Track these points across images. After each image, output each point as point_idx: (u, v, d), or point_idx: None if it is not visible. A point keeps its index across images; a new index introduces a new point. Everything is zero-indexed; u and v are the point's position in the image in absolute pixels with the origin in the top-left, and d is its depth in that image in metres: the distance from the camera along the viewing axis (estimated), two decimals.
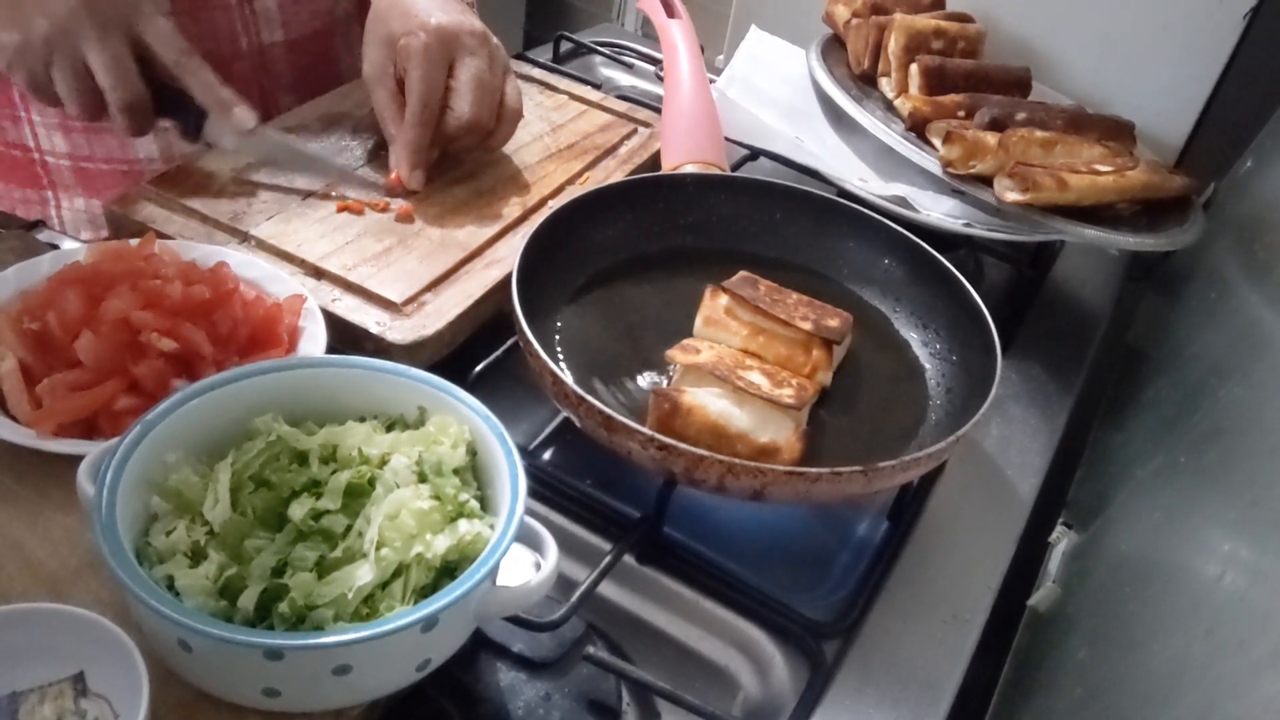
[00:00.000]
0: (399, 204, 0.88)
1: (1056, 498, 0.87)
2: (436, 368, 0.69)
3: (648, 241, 0.90)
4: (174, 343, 0.66)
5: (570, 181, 0.96)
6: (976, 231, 0.96)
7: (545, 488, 0.74)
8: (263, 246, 0.81)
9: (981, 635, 0.71)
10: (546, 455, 0.78)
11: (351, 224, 0.85)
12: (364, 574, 0.53)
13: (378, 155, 0.94)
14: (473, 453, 0.61)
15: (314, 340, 0.72)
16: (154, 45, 0.80)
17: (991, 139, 0.94)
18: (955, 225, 0.96)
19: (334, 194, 0.88)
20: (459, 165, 0.94)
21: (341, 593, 0.52)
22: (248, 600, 0.52)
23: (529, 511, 0.56)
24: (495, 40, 0.92)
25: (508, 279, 0.76)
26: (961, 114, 1.02)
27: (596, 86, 1.17)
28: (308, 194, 0.87)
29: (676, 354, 0.74)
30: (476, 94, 0.88)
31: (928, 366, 0.84)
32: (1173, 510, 0.70)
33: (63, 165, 0.96)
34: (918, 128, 1.02)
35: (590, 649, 0.62)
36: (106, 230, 0.86)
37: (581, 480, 0.75)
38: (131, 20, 0.79)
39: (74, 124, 0.94)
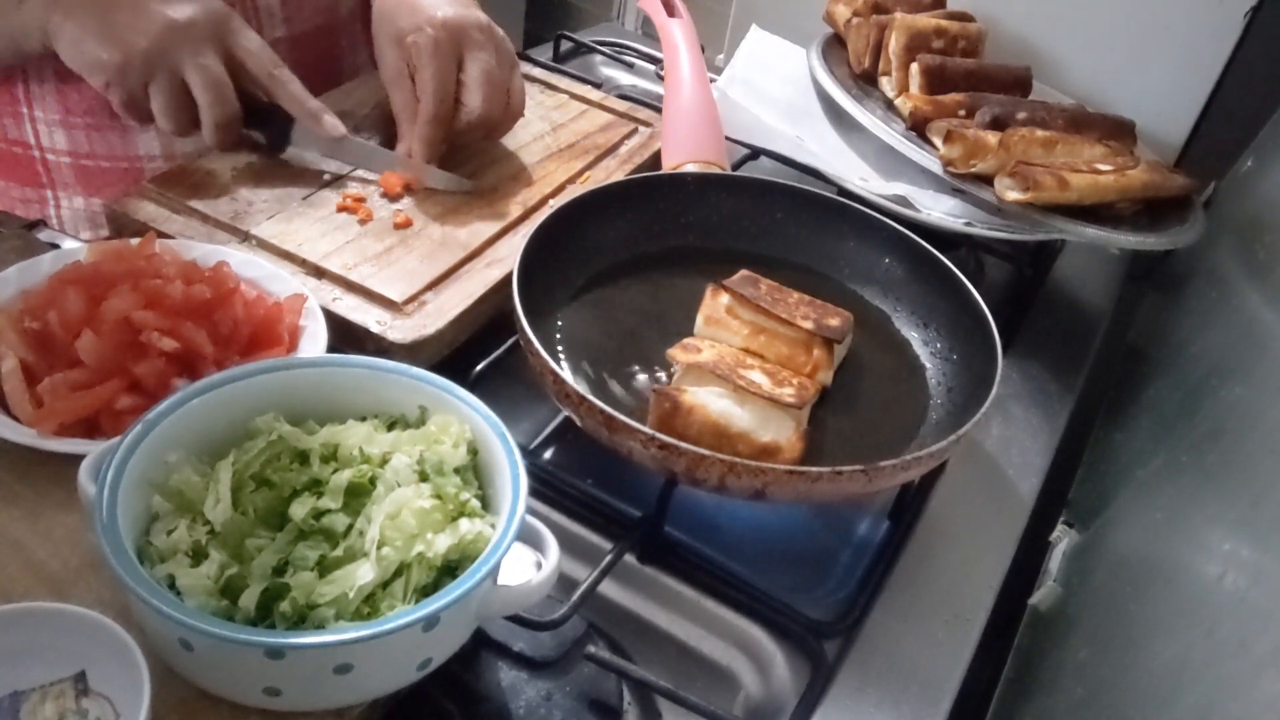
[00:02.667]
0: (398, 210, 0.88)
1: (1057, 497, 0.87)
2: (437, 367, 0.69)
3: (648, 241, 0.90)
4: (175, 342, 0.66)
5: (571, 181, 0.96)
6: (977, 231, 0.96)
7: (546, 487, 0.74)
8: (263, 246, 0.81)
9: (982, 635, 0.71)
10: (547, 454, 0.78)
11: (352, 223, 0.85)
12: (365, 573, 0.53)
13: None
14: (474, 452, 0.61)
15: (315, 340, 0.72)
16: (247, 61, 0.83)
17: (992, 138, 0.94)
18: (956, 224, 0.96)
19: (333, 193, 0.88)
20: (461, 165, 0.94)
21: (342, 592, 0.52)
22: (249, 599, 0.52)
23: (530, 511, 0.56)
24: (501, 33, 0.93)
25: (508, 278, 0.76)
26: (962, 113, 1.02)
27: (597, 86, 1.17)
28: (307, 195, 0.87)
29: (677, 353, 0.74)
30: (487, 89, 0.89)
31: (928, 366, 0.84)
32: (1174, 510, 0.70)
33: (63, 163, 0.96)
34: (918, 127, 1.02)
35: (591, 648, 0.62)
36: (106, 230, 0.86)
37: (582, 479, 0.75)
38: (224, 35, 0.81)
39: (75, 121, 0.94)
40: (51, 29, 0.80)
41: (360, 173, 0.91)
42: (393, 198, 0.89)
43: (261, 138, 0.89)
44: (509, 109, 0.93)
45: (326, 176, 0.89)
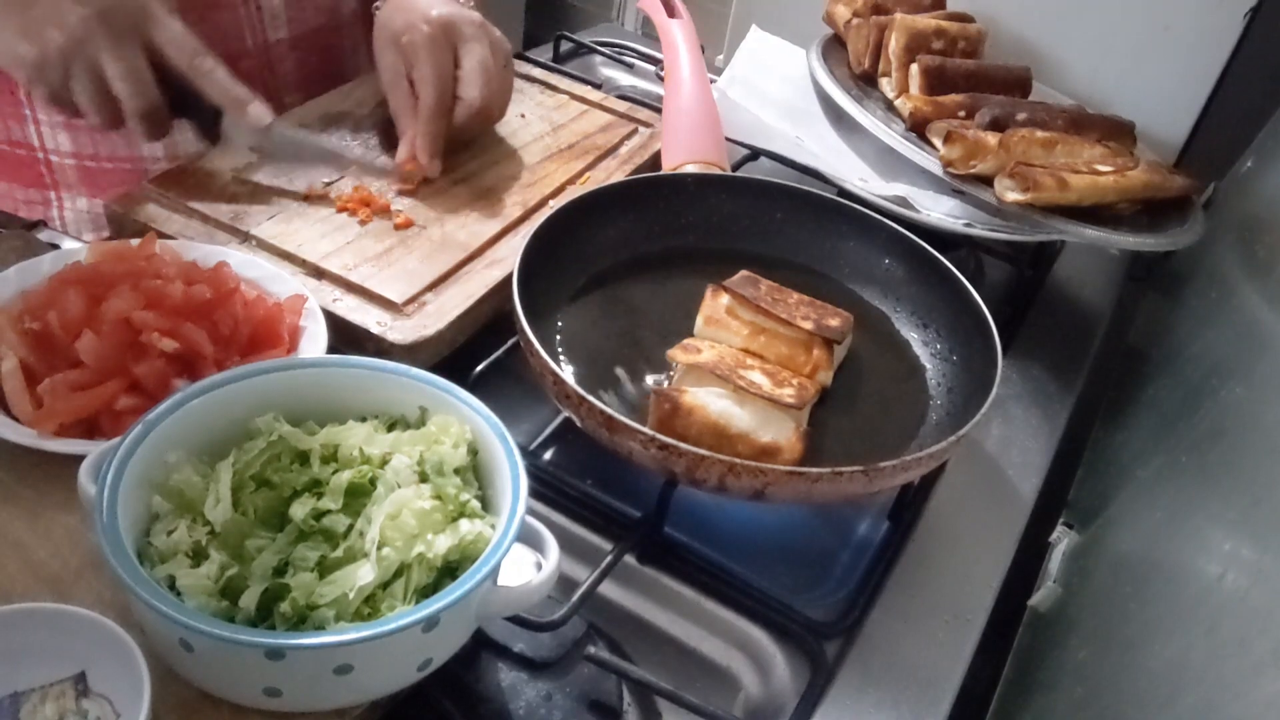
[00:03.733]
0: (398, 210, 0.88)
1: (1057, 497, 0.87)
2: (437, 367, 0.70)
3: (648, 241, 0.90)
4: (175, 343, 0.66)
5: (571, 181, 0.96)
6: (977, 231, 0.96)
7: (546, 487, 0.74)
8: (264, 246, 0.81)
9: (982, 635, 0.71)
10: (547, 455, 0.78)
11: (352, 224, 0.85)
12: (365, 574, 0.53)
13: (381, 153, 0.94)
14: (474, 452, 0.61)
15: (315, 340, 0.72)
16: (167, 49, 0.81)
17: (992, 139, 0.94)
18: (956, 225, 0.96)
19: (334, 193, 0.88)
20: (460, 165, 0.94)
21: (343, 592, 0.52)
22: (249, 600, 0.52)
23: (530, 511, 0.56)
24: (496, 31, 0.94)
25: (508, 279, 0.76)
26: (962, 114, 1.02)
27: (597, 86, 1.17)
28: (308, 195, 0.87)
29: (677, 353, 0.74)
30: (484, 79, 0.90)
31: (928, 366, 0.84)
32: (1173, 510, 0.70)
33: (67, 164, 0.96)
34: (918, 128, 1.02)
35: (591, 649, 0.62)
36: (108, 231, 0.86)
37: (582, 480, 0.75)
38: (144, 25, 0.80)
39: (78, 122, 0.94)
40: None
41: (380, 162, 0.91)
42: (407, 189, 0.89)
43: (193, 128, 0.86)
44: (501, 102, 0.94)
45: (326, 179, 0.89)
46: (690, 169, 0.95)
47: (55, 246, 0.82)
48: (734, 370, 0.72)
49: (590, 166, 0.99)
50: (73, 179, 0.97)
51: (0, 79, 0.93)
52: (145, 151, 0.96)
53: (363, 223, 0.85)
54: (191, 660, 0.52)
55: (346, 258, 0.81)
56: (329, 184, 0.89)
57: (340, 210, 0.86)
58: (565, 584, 0.66)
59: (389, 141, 0.94)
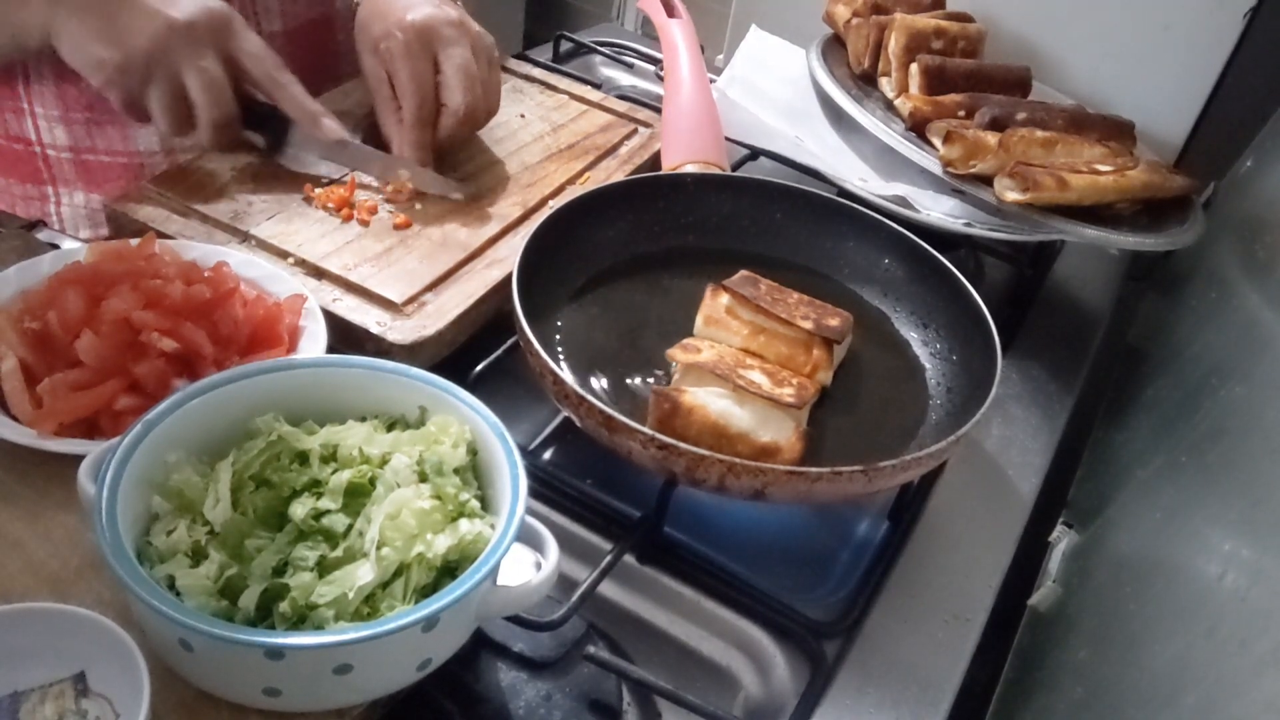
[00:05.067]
0: (397, 211, 0.88)
1: (1057, 497, 0.87)
2: (437, 367, 0.70)
3: (648, 241, 0.90)
4: (175, 342, 0.66)
5: (571, 181, 0.96)
6: (977, 231, 0.96)
7: (546, 487, 0.74)
8: (263, 246, 0.81)
9: (982, 635, 0.71)
10: (547, 455, 0.78)
11: (352, 224, 0.85)
12: (365, 573, 0.53)
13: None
14: (473, 452, 0.61)
15: (315, 340, 0.72)
16: (247, 63, 0.83)
17: (992, 139, 0.94)
18: (955, 225, 0.96)
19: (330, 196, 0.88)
20: (459, 167, 0.94)
21: (342, 592, 0.52)
22: (248, 600, 0.52)
23: (529, 511, 0.56)
24: (476, 27, 0.92)
25: (508, 279, 0.76)
26: (962, 114, 1.02)
27: (597, 86, 1.17)
28: (306, 197, 0.87)
29: (677, 353, 0.74)
30: (466, 83, 0.89)
31: (928, 366, 0.84)
32: (1173, 510, 0.70)
33: (64, 158, 0.97)
34: (918, 127, 1.02)
35: (591, 649, 0.62)
36: (106, 227, 0.86)
37: (582, 480, 0.75)
38: (225, 37, 0.81)
39: (75, 117, 0.94)
40: (54, 27, 0.80)
41: (358, 173, 0.91)
42: (400, 203, 0.89)
43: (260, 140, 0.89)
44: (485, 104, 0.92)
45: (325, 180, 0.89)
46: (690, 169, 0.95)
47: (55, 246, 0.82)
48: (734, 370, 0.72)
49: (590, 166, 0.99)
50: (70, 174, 0.97)
51: (0, 74, 0.93)
52: (142, 146, 0.96)
53: (362, 223, 0.85)
54: (191, 660, 0.52)
55: (346, 257, 0.81)
56: (329, 183, 0.89)
57: (321, 208, 0.86)
58: (565, 584, 0.66)
59: (385, 145, 0.94)
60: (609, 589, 0.70)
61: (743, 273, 0.81)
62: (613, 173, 0.98)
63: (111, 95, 0.81)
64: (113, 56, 0.78)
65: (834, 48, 1.17)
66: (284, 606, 0.52)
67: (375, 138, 0.95)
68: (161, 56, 0.78)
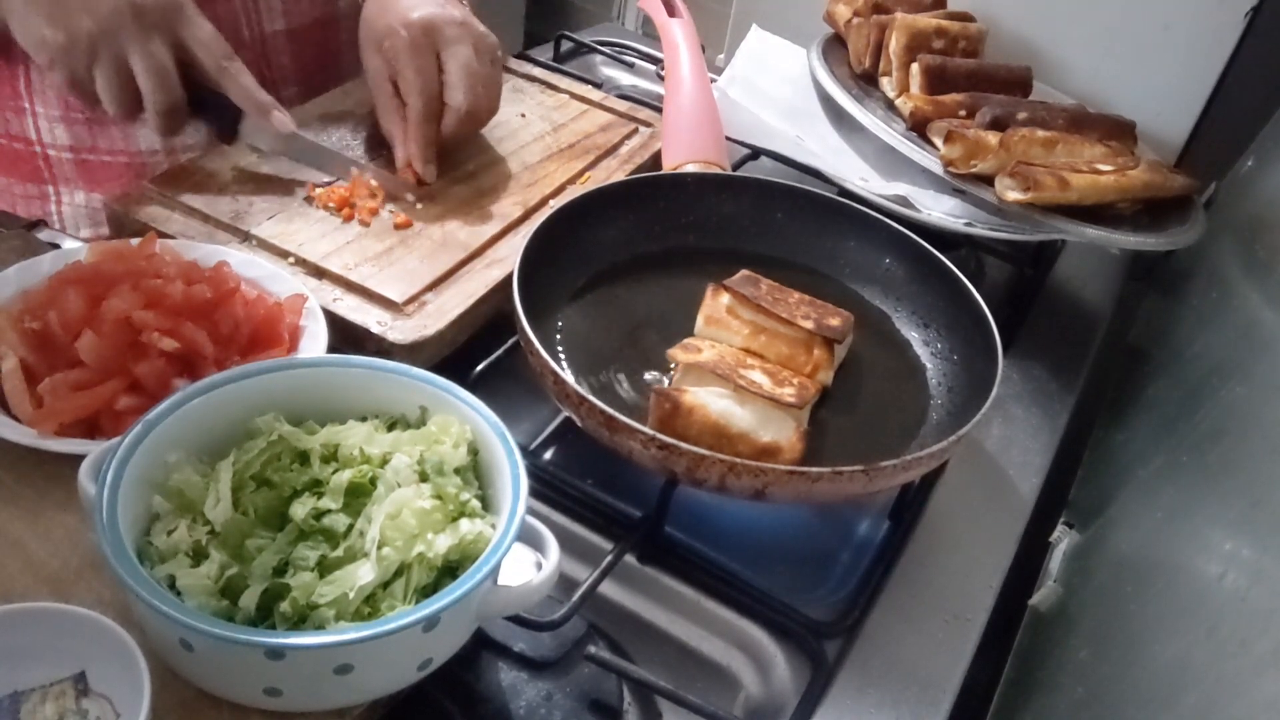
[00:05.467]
0: (398, 211, 0.88)
1: (1058, 497, 0.87)
2: (438, 367, 0.69)
3: (649, 241, 0.90)
4: (175, 342, 0.66)
5: (571, 181, 0.96)
6: (978, 231, 0.96)
7: (546, 487, 0.74)
8: (264, 246, 0.81)
9: (982, 635, 0.71)
10: (548, 455, 0.78)
11: (353, 224, 0.85)
12: (365, 573, 0.53)
13: (380, 153, 0.94)
14: (474, 452, 0.61)
15: (315, 340, 0.72)
16: (195, 49, 0.82)
17: (993, 138, 0.94)
18: (956, 225, 0.96)
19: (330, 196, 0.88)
20: (460, 165, 0.94)
21: (343, 592, 0.52)
22: (249, 600, 0.52)
23: (530, 511, 0.56)
24: (480, 26, 0.92)
25: (509, 278, 0.76)
26: (963, 113, 1.02)
27: (597, 86, 1.17)
28: (308, 196, 0.87)
29: (678, 353, 0.74)
30: (469, 82, 0.89)
31: (929, 366, 0.84)
32: (1174, 510, 0.70)
33: (64, 158, 0.96)
34: (919, 127, 1.02)
35: (591, 648, 0.62)
36: (106, 226, 0.86)
37: (583, 480, 0.75)
38: (175, 23, 0.80)
39: (76, 116, 0.94)
40: (3, 5, 0.79)
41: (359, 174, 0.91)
42: (408, 193, 0.89)
43: (211, 128, 0.87)
44: (489, 103, 0.92)
45: (326, 179, 0.89)
46: (690, 169, 0.95)
47: (55, 246, 0.82)
48: (734, 370, 0.72)
49: (590, 166, 0.99)
50: (70, 173, 0.97)
51: (2, 72, 0.93)
52: (143, 146, 0.96)
53: (362, 223, 0.85)
54: (191, 660, 0.52)
55: (347, 257, 0.81)
56: (330, 182, 0.89)
57: (321, 206, 0.86)
58: (565, 584, 0.66)
59: (386, 144, 0.94)
60: (609, 589, 0.70)
61: (743, 272, 0.81)
62: (613, 172, 0.98)
63: (56, 76, 0.80)
64: (57, 37, 0.77)
65: (835, 47, 1.17)
66: (285, 606, 0.52)
67: (377, 137, 0.95)
68: (106, 39, 0.77)
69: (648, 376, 0.79)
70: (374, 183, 0.89)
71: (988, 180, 0.94)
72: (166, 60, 0.80)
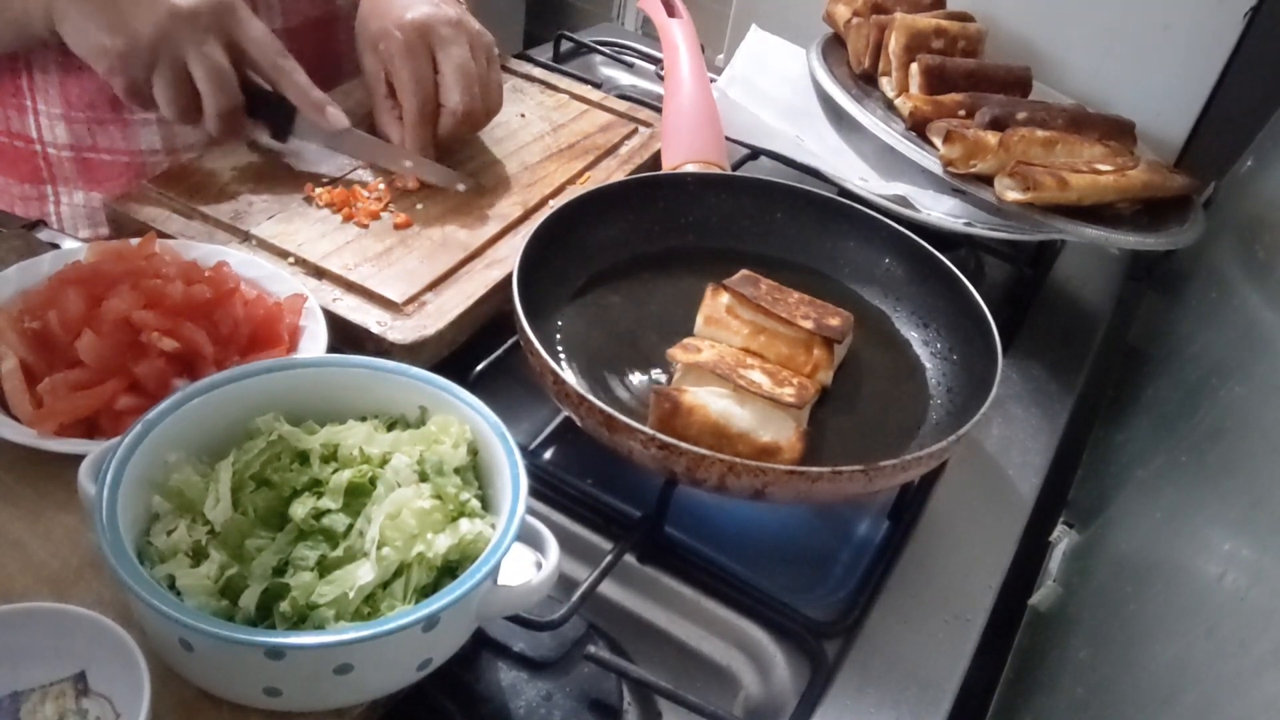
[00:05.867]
0: (398, 211, 0.88)
1: (1057, 497, 0.87)
2: (437, 367, 0.70)
3: (648, 241, 0.90)
4: (175, 342, 0.66)
5: (571, 181, 0.96)
6: (977, 231, 0.96)
7: (546, 487, 0.74)
8: (264, 246, 0.81)
9: (982, 635, 0.71)
10: (547, 454, 0.78)
11: (352, 223, 0.85)
12: (365, 573, 0.53)
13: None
14: (474, 452, 0.61)
15: (315, 340, 0.72)
16: (251, 50, 0.83)
17: (992, 138, 0.94)
18: (956, 224, 0.96)
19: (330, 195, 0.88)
20: (459, 166, 0.94)
21: (343, 592, 0.52)
22: (249, 599, 0.52)
23: (530, 511, 0.56)
24: (475, 25, 0.92)
25: (509, 278, 0.76)
26: (962, 113, 1.02)
27: (597, 86, 1.17)
28: (308, 196, 0.87)
29: (677, 353, 0.74)
30: (464, 83, 0.89)
31: (928, 366, 0.84)
32: (1174, 510, 0.70)
33: (65, 157, 0.97)
34: (918, 127, 1.02)
35: (591, 648, 0.62)
36: (105, 227, 0.86)
37: (582, 480, 0.75)
38: (229, 24, 0.81)
39: (76, 115, 0.94)
40: (56, 13, 0.80)
41: (358, 173, 0.91)
42: (411, 193, 0.89)
43: (265, 128, 0.88)
44: (487, 103, 0.92)
45: (326, 179, 0.89)
46: (690, 169, 0.95)
47: (55, 246, 0.82)
48: (734, 370, 0.72)
49: (590, 166, 0.99)
50: (70, 172, 0.97)
51: (4, 71, 0.93)
52: (143, 145, 0.96)
53: (360, 225, 0.85)
54: (191, 660, 0.52)
55: (346, 257, 0.81)
56: (329, 182, 0.89)
57: (326, 205, 0.86)
58: (565, 584, 0.66)
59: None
60: (609, 589, 0.70)
61: (743, 272, 0.81)
62: (613, 172, 0.98)
63: (115, 83, 0.80)
64: (116, 44, 0.78)
65: (834, 47, 1.17)
66: (284, 606, 0.52)
67: (379, 136, 0.95)
68: (165, 44, 0.78)
69: (648, 376, 0.79)
70: (428, 178, 0.90)
71: (987, 180, 0.94)
72: (224, 62, 0.80)
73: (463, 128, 0.91)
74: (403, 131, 0.90)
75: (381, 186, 0.89)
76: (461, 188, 0.90)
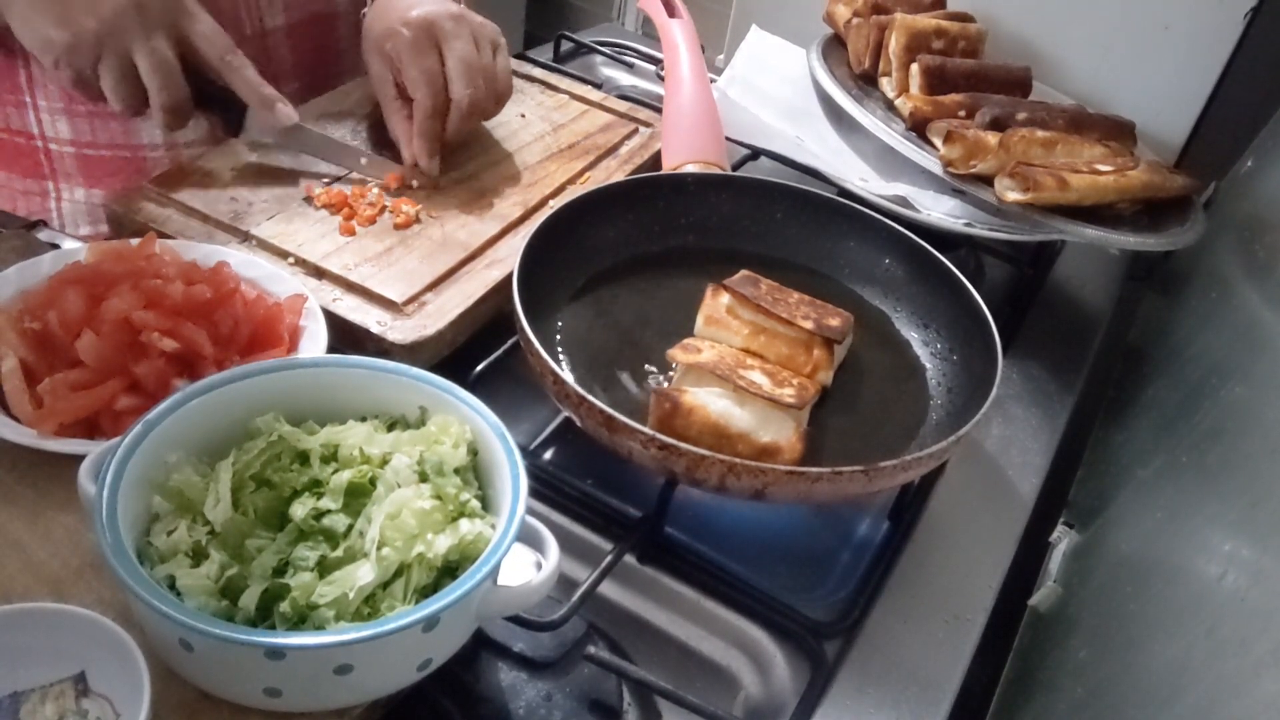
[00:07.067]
0: (398, 211, 0.88)
1: (1057, 497, 0.87)
2: (437, 367, 0.70)
3: (648, 241, 0.90)
4: (175, 342, 0.66)
5: (571, 181, 0.96)
6: (977, 231, 0.96)
7: (546, 487, 0.74)
8: (264, 246, 0.81)
9: (982, 635, 0.71)
10: (547, 455, 0.78)
11: (351, 224, 0.85)
12: (365, 573, 0.53)
13: (381, 153, 0.94)
14: (474, 452, 0.61)
15: (315, 340, 0.72)
16: (199, 45, 0.82)
17: (992, 139, 0.94)
18: (956, 225, 0.96)
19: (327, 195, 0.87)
20: (460, 165, 0.94)
21: (343, 592, 0.52)
22: (249, 600, 0.52)
23: (530, 511, 0.56)
24: (477, 18, 0.93)
25: (509, 279, 0.76)
26: (962, 114, 1.02)
27: (597, 86, 1.17)
28: (308, 197, 0.87)
29: (678, 353, 0.74)
30: (468, 76, 0.89)
31: (928, 366, 0.84)
32: (1174, 510, 0.70)
33: (65, 152, 0.97)
34: (918, 127, 1.02)
35: (591, 649, 0.62)
36: (105, 224, 0.86)
37: (582, 480, 0.75)
38: (177, 19, 0.81)
39: (78, 109, 0.94)
40: (3, 4, 0.79)
41: (358, 173, 0.91)
42: (395, 190, 0.89)
43: (217, 122, 0.88)
44: (495, 91, 0.93)
45: (326, 180, 0.89)
46: (690, 169, 0.95)
47: (55, 246, 0.82)
48: (734, 370, 0.72)
49: (590, 166, 0.99)
50: (70, 168, 0.97)
51: (3, 66, 0.93)
52: (144, 140, 0.96)
53: (359, 223, 0.85)
54: (191, 660, 0.52)
55: (346, 257, 0.81)
56: (329, 183, 0.89)
57: (323, 206, 0.86)
58: (565, 584, 0.66)
59: (387, 142, 0.94)
60: (609, 589, 0.70)
61: (743, 272, 0.81)
62: (613, 173, 0.98)
63: (61, 75, 0.80)
64: (61, 36, 0.77)
65: (834, 48, 1.17)
66: (284, 606, 0.52)
67: (377, 136, 0.95)
68: (110, 37, 0.78)
69: (648, 377, 0.79)
70: (386, 174, 0.90)
71: (987, 180, 0.94)
72: (170, 56, 0.80)
73: (472, 120, 0.92)
74: (412, 130, 0.90)
75: (375, 192, 0.88)
76: (415, 183, 0.90)
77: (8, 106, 0.96)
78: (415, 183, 0.90)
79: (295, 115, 0.87)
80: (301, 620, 0.52)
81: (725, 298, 0.79)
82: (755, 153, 1.09)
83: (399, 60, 0.89)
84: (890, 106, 1.09)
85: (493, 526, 0.57)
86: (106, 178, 0.97)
